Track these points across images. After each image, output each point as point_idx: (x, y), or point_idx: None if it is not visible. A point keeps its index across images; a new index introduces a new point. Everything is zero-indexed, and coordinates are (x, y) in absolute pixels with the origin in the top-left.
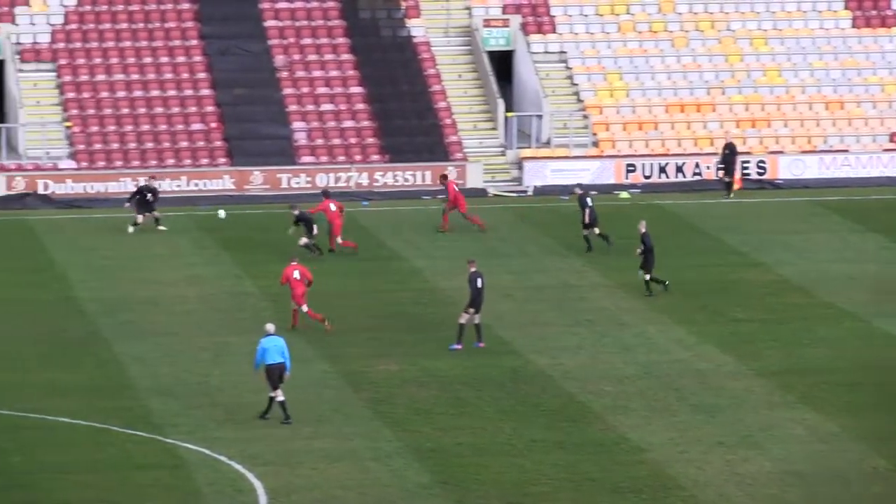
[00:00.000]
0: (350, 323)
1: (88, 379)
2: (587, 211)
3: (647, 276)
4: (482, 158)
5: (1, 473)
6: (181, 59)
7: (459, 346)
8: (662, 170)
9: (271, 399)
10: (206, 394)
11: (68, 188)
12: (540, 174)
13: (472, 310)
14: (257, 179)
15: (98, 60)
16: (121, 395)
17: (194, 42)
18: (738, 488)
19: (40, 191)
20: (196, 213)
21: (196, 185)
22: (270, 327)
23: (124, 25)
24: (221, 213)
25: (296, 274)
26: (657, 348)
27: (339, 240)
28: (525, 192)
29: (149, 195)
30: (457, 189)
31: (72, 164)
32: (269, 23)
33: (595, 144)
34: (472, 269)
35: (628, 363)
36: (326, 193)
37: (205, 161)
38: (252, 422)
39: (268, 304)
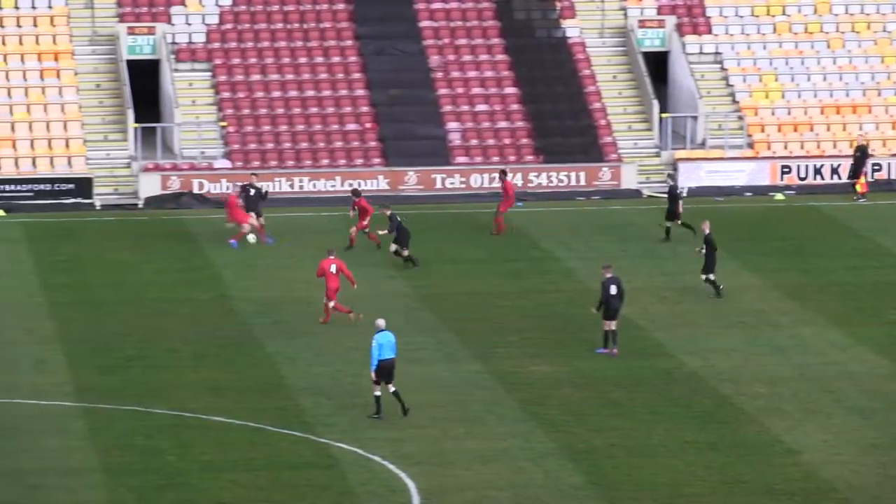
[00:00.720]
0: (503, 323)
1: (242, 378)
2: (678, 202)
3: (708, 277)
4: (637, 159)
5: (156, 472)
6: (336, 59)
7: (605, 351)
8: (818, 171)
9: (377, 398)
10: (358, 394)
11: (223, 188)
12: (694, 175)
13: (605, 318)
14: (411, 180)
15: (253, 60)
16: (274, 395)
17: (349, 42)
18: (893, 492)
19: (195, 190)
20: (349, 213)
21: (350, 185)
22: (381, 322)
23: (279, 25)
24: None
25: (332, 268)
26: (811, 350)
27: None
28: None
29: (252, 192)
30: (514, 189)
31: (227, 163)
32: (424, 23)
33: (750, 146)
34: (608, 275)
35: (782, 365)
36: (357, 192)
37: (359, 161)
38: (404, 421)
39: (421, 305)
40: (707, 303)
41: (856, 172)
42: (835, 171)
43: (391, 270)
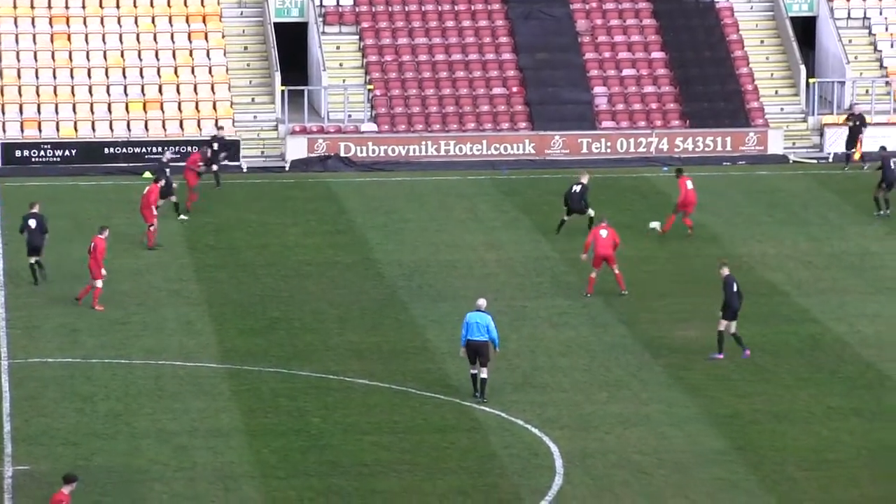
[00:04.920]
0: (650, 288)
1: (387, 341)
2: (888, 174)
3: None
4: (783, 125)
5: (301, 433)
6: (483, 22)
7: (720, 356)
8: None
9: (473, 376)
10: (502, 357)
11: (370, 151)
12: (841, 141)
13: (727, 318)
14: (557, 144)
15: (400, 24)
16: (418, 358)
17: (497, 6)
18: None
19: (342, 153)
20: (497, 177)
21: (496, 149)
22: (481, 302)
23: None
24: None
25: (602, 233)
26: None
27: None
28: (826, 158)
29: (216, 145)
30: (689, 188)
31: (373, 127)
32: None
33: None
34: (726, 272)
35: None
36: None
37: (505, 125)
38: (548, 386)
39: (567, 269)
40: (853, 268)
41: (851, 141)
42: None
43: (537, 234)
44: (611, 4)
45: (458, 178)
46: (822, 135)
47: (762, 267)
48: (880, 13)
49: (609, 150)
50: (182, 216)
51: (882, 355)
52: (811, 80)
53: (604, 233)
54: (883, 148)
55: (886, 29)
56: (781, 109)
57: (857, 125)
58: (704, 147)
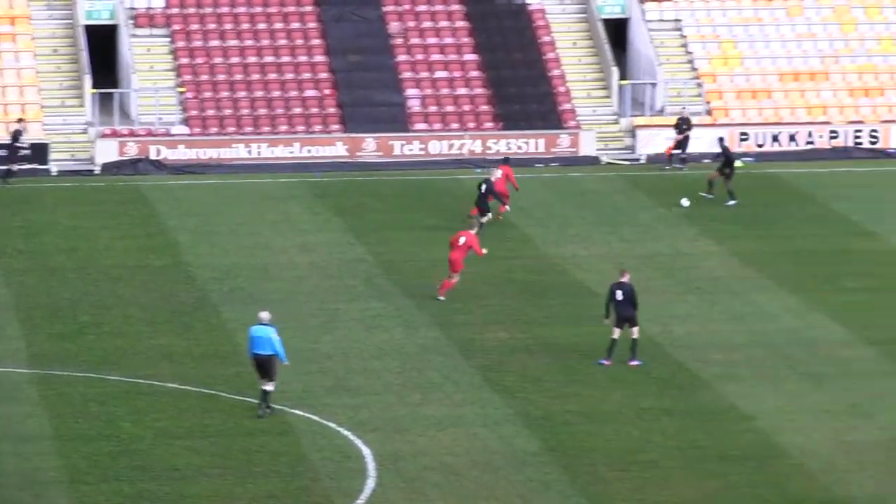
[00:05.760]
0: (462, 290)
1: (198, 345)
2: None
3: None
4: (595, 126)
5: (111, 438)
6: (296, 25)
7: (607, 363)
8: (775, 139)
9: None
10: (315, 360)
11: (181, 154)
12: (653, 142)
13: (609, 322)
14: (370, 146)
15: (212, 26)
16: (230, 362)
17: (309, 8)
18: (845, 456)
19: (152, 156)
20: (309, 179)
21: (309, 151)
22: (264, 315)
23: None
24: (685, 202)
25: (461, 240)
26: (767, 317)
27: None
28: (638, 159)
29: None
30: (497, 176)
31: (184, 129)
32: None
33: (708, 113)
34: (620, 280)
35: (738, 331)
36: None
37: (318, 128)
38: (360, 388)
39: (380, 272)
40: (664, 270)
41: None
42: (792, 138)
43: (350, 237)
44: (423, 7)
45: (271, 181)
46: (634, 136)
47: (574, 268)
48: (692, 15)
49: (422, 153)
50: None
51: (693, 356)
52: (623, 82)
53: (462, 239)
54: (721, 139)
55: (698, 31)
56: (594, 111)
57: (683, 128)
58: (517, 149)
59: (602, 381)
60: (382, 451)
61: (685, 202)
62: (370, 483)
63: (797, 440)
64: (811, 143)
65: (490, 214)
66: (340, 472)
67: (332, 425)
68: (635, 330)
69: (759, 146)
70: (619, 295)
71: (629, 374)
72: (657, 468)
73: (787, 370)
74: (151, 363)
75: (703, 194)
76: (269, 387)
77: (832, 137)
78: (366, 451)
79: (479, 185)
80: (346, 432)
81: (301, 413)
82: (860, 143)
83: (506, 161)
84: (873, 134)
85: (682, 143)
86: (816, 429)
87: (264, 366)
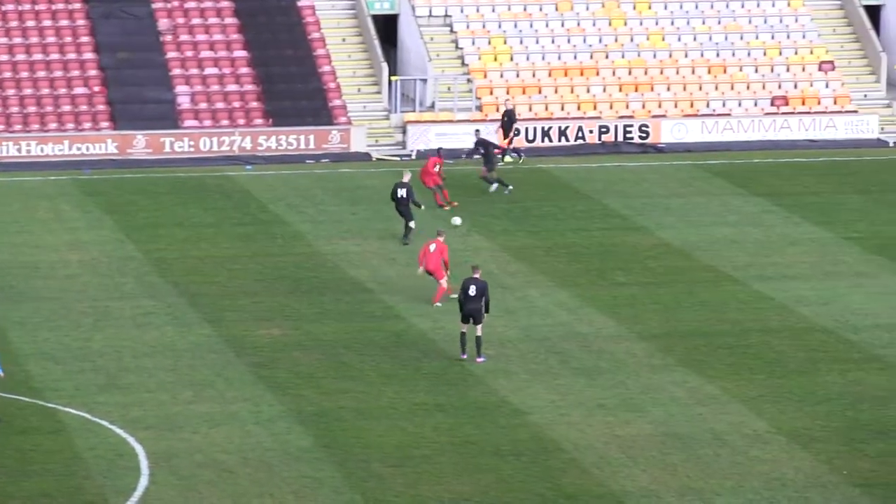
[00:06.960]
0: (233, 287)
1: None
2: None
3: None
4: (366, 122)
5: None
6: (64, 22)
7: (464, 357)
8: (546, 134)
9: None
10: (87, 358)
11: None
12: (424, 138)
13: (464, 319)
14: (140, 143)
15: None
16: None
17: (78, 6)
18: (618, 451)
19: None
20: (79, 177)
21: (79, 149)
22: None
23: None
24: (456, 221)
25: (431, 248)
26: (539, 311)
27: None
28: (409, 155)
29: None
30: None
31: None
32: None
33: (479, 108)
34: (473, 276)
35: (509, 326)
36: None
37: (88, 125)
38: (133, 386)
39: (151, 269)
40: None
41: (505, 134)
42: (563, 133)
43: (120, 234)
44: (192, 3)
45: (41, 179)
46: (404, 132)
47: (346, 264)
48: (461, 11)
49: (192, 149)
50: None
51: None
52: (393, 78)
53: (432, 247)
54: (478, 131)
55: (468, 27)
56: (364, 107)
57: (506, 120)
58: (287, 145)
59: (374, 377)
60: (156, 449)
61: (457, 220)
62: (144, 481)
63: (571, 435)
64: (581, 138)
65: (413, 223)
66: (114, 469)
67: (106, 423)
68: (479, 328)
69: (530, 141)
70: (472, 290)
71: (401, 370)
72: (431, 463)
73: (559, 365)
74: None
75: (499, 189)
76: None
77: (602, 132)
78: (139, 448)
79: (393, 194)
80: (119, 430)
81: (74, 411)
82: (630, 138)
83: (437, 152)
84: (643, 129)
85: (507, 132)
86: (590, 423)
87: None
